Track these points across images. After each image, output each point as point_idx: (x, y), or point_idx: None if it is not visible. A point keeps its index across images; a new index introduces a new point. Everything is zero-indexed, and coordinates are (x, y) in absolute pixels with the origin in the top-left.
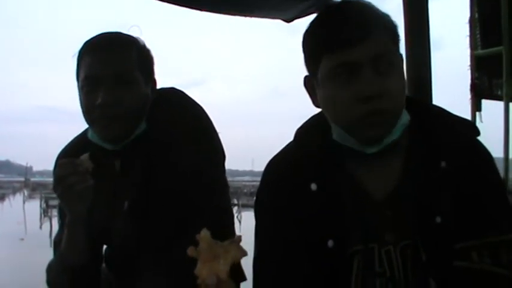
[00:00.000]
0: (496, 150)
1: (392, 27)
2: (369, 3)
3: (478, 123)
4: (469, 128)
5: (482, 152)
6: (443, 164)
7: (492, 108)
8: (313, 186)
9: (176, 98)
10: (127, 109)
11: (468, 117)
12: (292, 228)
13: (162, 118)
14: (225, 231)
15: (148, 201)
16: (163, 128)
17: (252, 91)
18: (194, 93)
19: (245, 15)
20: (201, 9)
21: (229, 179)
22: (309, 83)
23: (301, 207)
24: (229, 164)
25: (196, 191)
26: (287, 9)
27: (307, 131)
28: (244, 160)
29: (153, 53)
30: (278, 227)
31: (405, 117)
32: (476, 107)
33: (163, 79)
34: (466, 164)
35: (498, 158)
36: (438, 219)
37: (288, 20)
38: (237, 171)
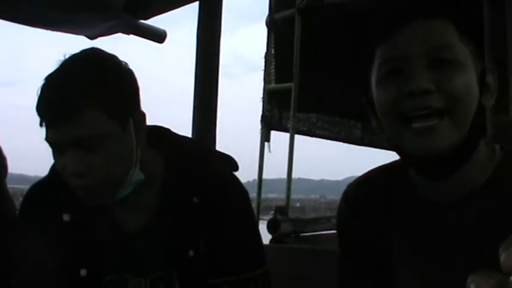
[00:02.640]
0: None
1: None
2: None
3: (266, 153)
4: (227, 163)
5: (235, 189)
6: (195, 199)
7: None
8: (66, 217)
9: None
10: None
11: (257, 146)
12: (47, 256)
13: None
14: None
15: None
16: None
17: None
18: (6, 94)
19: (52, 30)
20: (12, 21)
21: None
22: None
23: (54, 236)
24: (37, 171)
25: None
26: (92, 27)
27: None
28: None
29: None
30: (33, 257)
31: (137, 175)
32: (265, 137)
33: None
34: (218, 200)
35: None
36: (191, 253)
37: (92, 38)
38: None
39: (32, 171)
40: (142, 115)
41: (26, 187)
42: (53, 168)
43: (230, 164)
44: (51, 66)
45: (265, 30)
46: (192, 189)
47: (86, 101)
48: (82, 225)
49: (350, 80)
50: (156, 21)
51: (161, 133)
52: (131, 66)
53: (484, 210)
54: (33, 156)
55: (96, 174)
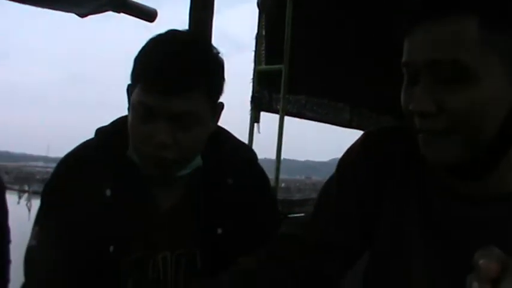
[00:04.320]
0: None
1: (216, 83)
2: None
3: (255, 133)
4: (250, 152)
5: (261, 172)
6: (230, 181)
7: (273, 119)
8: (108, 192)
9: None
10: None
11: (247, 126)
12: (76, 228)
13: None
14: None
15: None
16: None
17: (51, 73)
18: None
19: (42, 7)
20: None
21: (21, 163)
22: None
23: (91, 210)
24: (22, 148)
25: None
26: (83, 5)
27: (110, 134)
28: (38, 145)
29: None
30: (61, 223)
31: (198, 160)
32: (255, 118)
33: None
34: (249, 182)
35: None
36: (219, 231)
37: (82, 16)
38: (30, 156)
39: (17, 148)
40: (222, 107)
41: (11, 164)
42: (98, 134)
43: (254, 152)
44: (34, 43)
45: (255, 10)
46: (227, 171)
47: (201, 79)
48: (120, 201)
49: (340, 63)
50: (147, 0)
51: None
52: (122, 45)
53: (508, 217)
54: (18, 133)
55: (178, 151)
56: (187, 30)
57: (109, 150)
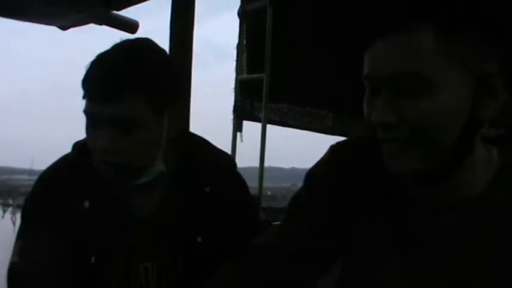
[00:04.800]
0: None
1: (153, 86)
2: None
3: (238, 142)
4: (229, 160)
5: (240, 180)
6: (207, 189)
7: (257, 126)
8: (87, 204)
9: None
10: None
11: (230, 135)
12: (57, 241)
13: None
14: None
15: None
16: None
17: (32, 86)
18: None
19: (24, 21)
20: None
21: (5, 177)
22: None
23: (71, 222)
24: (5, 161)
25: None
26: (64, 18)
27: (85, 147)
28: (22, 158)
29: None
30: (43, 238)
31: (159, 166)
32: (237, 127)
33: None
34: (227, 190)
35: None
36: (199, 239)
37: (64, 28)
38: (14, 168)
39: (0, 161)
40: (177, 113)
41: None
42: (75, 148)
43: (231, 160)
44: (23, 50)
45: (237, 20)
46: (205, 180)
47: (133, 84)
48: (99, 211)
49: (321, 72)
50: (128, 12)
51: (177, 130)
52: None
53: (475, 221)
54: (2, 146)
55: (124, 156)
56: (144, 38)
57: (85, 163)
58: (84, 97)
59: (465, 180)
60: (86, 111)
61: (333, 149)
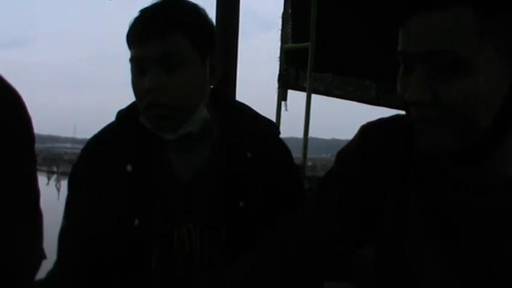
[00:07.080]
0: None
1: (194, 26)
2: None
3: (283, 111)
4: (273, 127)
5: (283, 147)
6: (249, 154)
7: (298, 98)
8: (129, 167)
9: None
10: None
11: (275, 104)
12: (102, 206)
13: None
14: None
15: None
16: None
17: (76, 54)
18: (16, 54)
19: None
20: None
21: (49, 145)
22: None
23: (116, 185)
24: (49, 130)
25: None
26: None
27: (128, 113)
28: (66, 126)
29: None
30: (89, 202)
31: (203, 112)
32: (282, 96)
33: None
34: (269, 156)
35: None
36: (241, 204)
37: None
38: (58, 137)
39: (44, 130)
40: (218, 63)
41: (38, 145)
42: (119, 115)
43: (274, 127)
44: (60, 24)
45: None
46: (247, 145)
47: (177, 23)
48: (142, 175)
49: (366, 41)
50: None
51: (220, 95)
52: None
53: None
54: (45, 115)
55: (170, 95)
56: None
57: (128, 128)
58: (129, 47)
59: (505, 161)
60: (132, 58)
61: (364, 129)
